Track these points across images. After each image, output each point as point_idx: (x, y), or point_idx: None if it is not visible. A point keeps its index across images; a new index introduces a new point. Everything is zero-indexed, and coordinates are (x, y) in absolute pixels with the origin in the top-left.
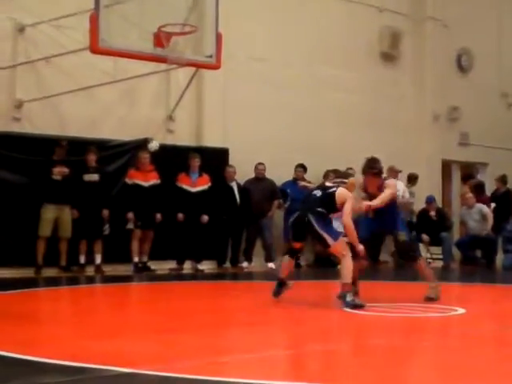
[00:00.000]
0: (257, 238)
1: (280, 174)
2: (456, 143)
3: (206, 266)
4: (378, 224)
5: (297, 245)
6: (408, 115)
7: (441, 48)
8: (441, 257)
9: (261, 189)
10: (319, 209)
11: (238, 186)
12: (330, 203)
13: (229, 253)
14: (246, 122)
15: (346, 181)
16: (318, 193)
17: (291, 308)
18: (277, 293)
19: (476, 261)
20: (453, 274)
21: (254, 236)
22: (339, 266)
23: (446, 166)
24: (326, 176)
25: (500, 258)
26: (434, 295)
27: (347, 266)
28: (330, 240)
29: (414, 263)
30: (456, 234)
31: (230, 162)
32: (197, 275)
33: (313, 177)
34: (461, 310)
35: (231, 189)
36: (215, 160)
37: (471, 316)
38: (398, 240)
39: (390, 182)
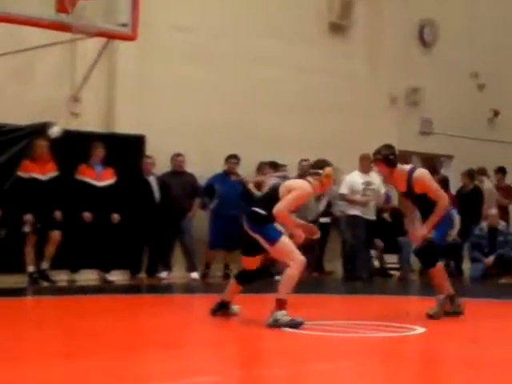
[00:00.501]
0: (176, 242)
1: (208, 167)
2: (416, 131)
3: (117, 277)
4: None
5: (247, 262)
6: (360, 97)
7: (400, 18)
8: (397, 266)
9: (180, 184)
10: (256, 209)
11: (158, 180)
12: (272, 200)
13: (144, 260)
14: (167, 104)
15: (320, 172)
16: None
17: (220, 327)
18: (213, 312)
19: None
20: (411, 286)
21: (173, 240)
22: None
23: (405, 158)
24: (261, 169)
25: (466, 267)
26: (433, 312)
27: (288, 277)
28: (266, 244)
29: (429, 269)
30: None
31: (147, 152)
32: (105, 287)
33: (247, 170)
34: (420, 329)
35: (148, 184)
36: (129, 149)
37: (431, 336)
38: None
39: (421, 174)
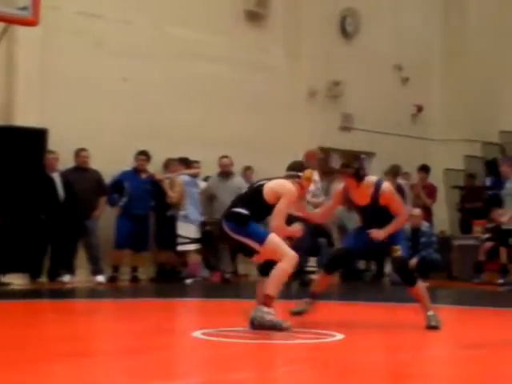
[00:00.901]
0: (79, 243)
1: (113, 163)
2: (336, 127)
3: (15, 281)
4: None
5: (259, 258)
6: (278, 91)
7: (320, 7)
8: (316, 269)
9: (84, 181)
10: (237, 209)
11: (61, 176)
12: (255, 201)
13: (46, 263)
14: (72, 95)
15: (300, 174)
16: (245, 189)
17: (125, 335)
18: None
19: (359, 274)
20: (331, 289)
21: (77, 241)
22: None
23: (324, 155)
24: (168, 166)
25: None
26: (436, 323)
27: (280, 272)
28: (255, 245)
29: (409, 287)
30: (336, 241)
31: (50, 147)
32: (1, 292)
33: (159, 167)
34: (338, 336)
35: (52, 181)
36: (30, 143)
37: (348, 343)
38: (392, 256)
39: (389, 187)
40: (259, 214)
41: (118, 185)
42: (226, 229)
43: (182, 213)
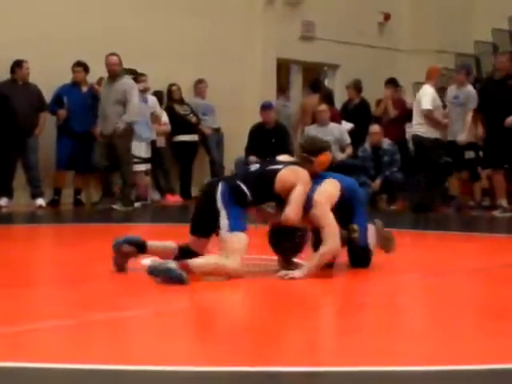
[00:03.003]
0: (17, 164)
1: (51, 76)
2: (296, 36)
3: None
4: None
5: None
6: None
7: None
8: None
9: (24, 96)
10: (242, 186)
11: None
12: (264, 186)
13: None
14: (5, 2)
15: (313, 159)
16: (256, 167)
17: (67, 263)
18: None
19: None
20: None
21: (15, 161)
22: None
23: (283, 67)
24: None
25: None
26: None
27: (219, 267)
28: (224, 227)
29: None
30: None
31: None
32: None
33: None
34: None
35: None
36: None
37: None
38: (349, 236)
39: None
40: (260, 199)
41: (58, 100)
42: (219, 194)
43: None
